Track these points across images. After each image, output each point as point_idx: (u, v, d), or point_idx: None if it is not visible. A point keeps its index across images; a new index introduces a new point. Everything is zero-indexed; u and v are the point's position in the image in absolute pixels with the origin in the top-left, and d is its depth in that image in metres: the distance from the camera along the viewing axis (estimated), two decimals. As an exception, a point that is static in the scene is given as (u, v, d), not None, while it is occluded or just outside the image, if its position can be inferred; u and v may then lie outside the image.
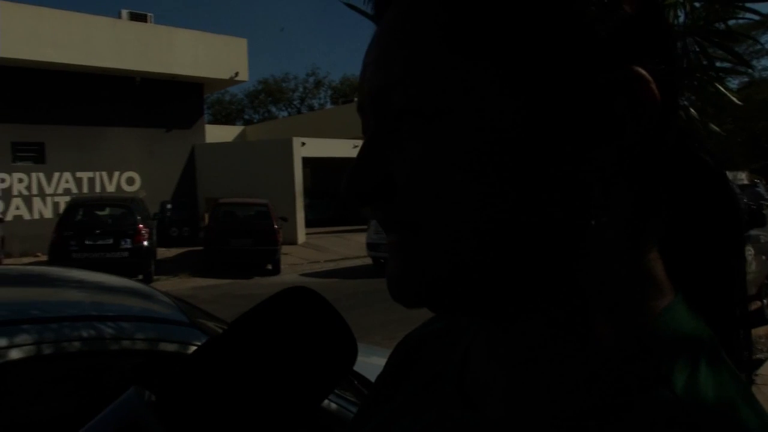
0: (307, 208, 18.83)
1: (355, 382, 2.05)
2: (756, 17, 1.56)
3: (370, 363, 2.39)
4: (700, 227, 0.40)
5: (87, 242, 11.17)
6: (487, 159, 0.34)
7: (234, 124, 39.33)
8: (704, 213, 0.40)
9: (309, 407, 0.42)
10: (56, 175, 15.71)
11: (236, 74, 18.19)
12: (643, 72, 0.34)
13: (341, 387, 1.87)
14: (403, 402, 0.48)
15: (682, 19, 1.54)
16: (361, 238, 13.93)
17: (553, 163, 0.34)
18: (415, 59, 0.35)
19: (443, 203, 0.35)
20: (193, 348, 1.55)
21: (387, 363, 0.54)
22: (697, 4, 1.56)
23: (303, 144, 17.23)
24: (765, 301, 7.41)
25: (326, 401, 1.72)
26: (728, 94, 1.51)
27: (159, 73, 16.66)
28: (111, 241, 11.28)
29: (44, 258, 12.40)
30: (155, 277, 11.73)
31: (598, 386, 0.34)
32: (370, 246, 12.74)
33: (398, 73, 0.36)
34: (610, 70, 0.34)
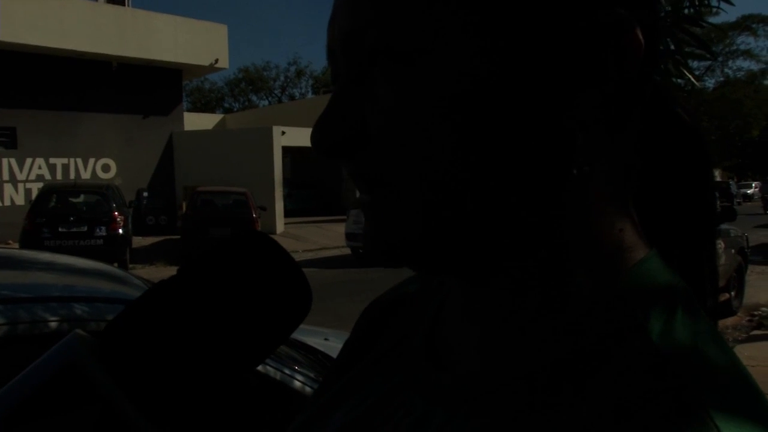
0: (287, 197, 18.74)
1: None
2: (728, 11, 1.58)
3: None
4: (672, 181, 0.40)
5: (60, 230, 10.97)
6: (464, 104, 0.33)
7: (213, 112, 38.90)
8: (677, 167, 0.40)
9: (262, 352, 0.41)
10: (29, 161, 15.37)
11: (216, 61, 17.95)
12: (628, 16, 0.33)
13: (318, 373, 1.87)
14: (371, 364, 0.47)
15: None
16: (340, 228, 13.91)
17: (534, 110, 0.33)
18: (388, 1, 0.33)
19: (419, 152, 0.34)
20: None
21: (354, 328, 0.54)
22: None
23: (283, 133, 17.11)
24: (732, 293, 7.57)
25: (301, 386, 1.72)
26: (692, 78, 1.54)
27: (137, 59, 16.37)
28: (85, 228, 11.09)
29: (16, 246, 12.17)
30: (130, 266, 11.57)
31: (574, 336, 0.34)
32: (349, 236, 12.71)
33: (370, 15, 0.34)
34: (594, 14, 0.33)
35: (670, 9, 1.47)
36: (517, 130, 0.33)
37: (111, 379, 0.36)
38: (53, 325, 1.41)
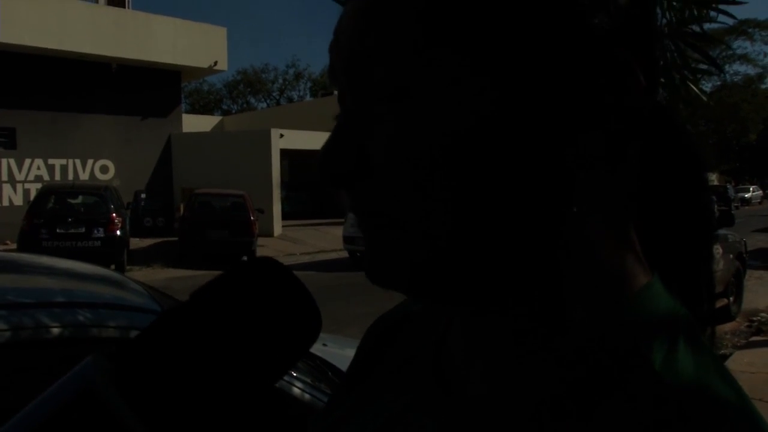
0: (284, 200, 18.72)
1: (329, 374, 2.05)
2: (729, 21, 1.60)
3: (345, 355, 2.39)
4: (671, 208, 0.41)
5: (58, 230, 10.95)
6: (465, 142, 0.33)
7: (212, 114, 38.88)
8: (673, 175, 0.41)
9: (271, 378, 0.42)
10: (27, 161, 15.36)
11: (215, 63, 17.96)
12: (630, 59, 0.34)
13: (316, 378, 1.87)
14: (378, 384, 0.47)
15: (659, 17, 1.57)
16: (338, 231, 13.91)
17: (534, 149, 0.33)
18: (390, 39, 0.34)
19: (421, 187, 0.34)
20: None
21: (359, 347, 0.54)
22: (675, 4, 1.59)
23: (281, 136, 17.10)
24: (731, 298, 7.58)
25: (299, 392, 1.72)
26: (699, 94, 1.55)
27: (136, 60, 16.36)
28: (83, 229, 11.08)
29: (14, 246, 12.15)
30: (128, 267, 11.55)
31: (579, 366, 0.34)
32: (347, 239, 12.71)
33: (371, 43, 0.35)
34: (596, 57, 0.33)
35: (673, 20, 1.48)
36: (516, 167, 0.34)
37: (127, 406, 0.36)
38: (56, 331, 1.41)
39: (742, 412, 0.32)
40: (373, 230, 0.37)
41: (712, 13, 1.57)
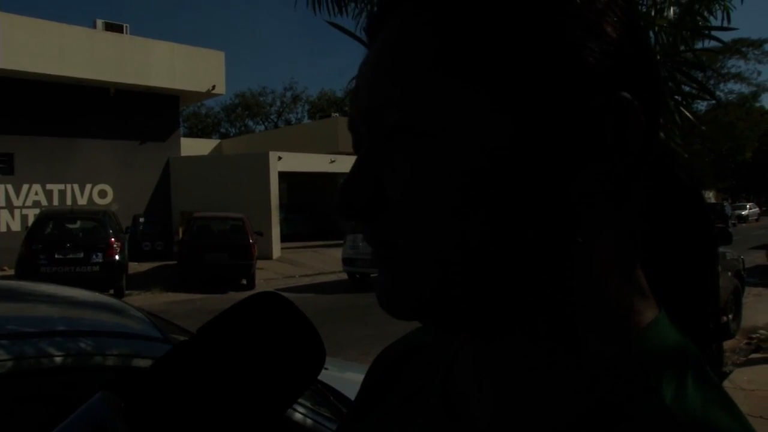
0: (283, 222, 18.72)
1: (331, 398, 2.04)
2: (719, 44, 1.63)
3: (345, 378, 2.38)
4: (674, 244, 0.42)
5: (57, 256, 10.93)
6: (477, 178, 0.35)
7: (210, 137, 39.04)
8: (679, 230, 0.42)
9: (277, 412, 0.42)
10: (25, 187, 15.37)
11: (213, 87, 18.08)
12: (629, 97, 0.35)
13: (317, 402, 1.86)
14: (387, 414, 0.48)
15: (652, 41, 1.61)
16: (337, 253, 13.89)
17: (541, 184, 0.35)
18: (407, 82, 0.36)
19: (433, 220, 0.36)
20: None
21: (367, 377, 0.55)
22: (666, 27, 1.63)
23: (279, 158, 17.17)
24: (730, 315, 7.55)
25: (301, 417, 1.71)
26: (692, 119, 1.58)
27: (134, 85, 16.48)
28: (81, 255, 11.06)
29: (11, 272, 12.11)
30: (126, 292, 11.49)
31: (589, 398, 0.35)
32: (346, 261, 12.70)
33: (389, 93, 0.37)
34: (598, 95, 0.35)
35: (666, 44, 1.51)
36: (525, 201, 0.35)
37: None
38: (58, 359, 1.41)
39: None
40: (386, 260, 0.38)
41: (702, 42, 1.61)
